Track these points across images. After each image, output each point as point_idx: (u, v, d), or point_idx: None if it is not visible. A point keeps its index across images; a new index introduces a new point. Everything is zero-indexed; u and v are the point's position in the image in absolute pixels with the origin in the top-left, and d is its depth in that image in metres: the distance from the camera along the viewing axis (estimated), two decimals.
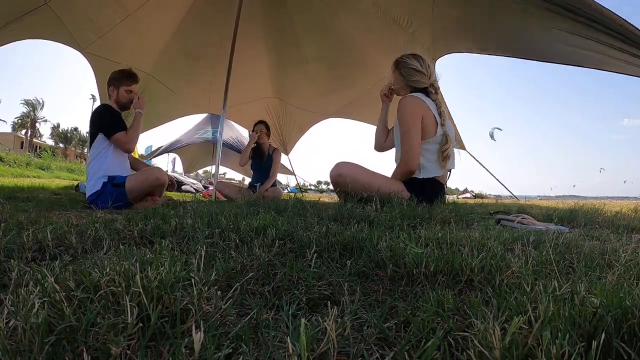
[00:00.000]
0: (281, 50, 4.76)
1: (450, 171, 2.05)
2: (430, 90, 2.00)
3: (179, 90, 4.95)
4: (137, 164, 2.57)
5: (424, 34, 3.43)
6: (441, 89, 2.09)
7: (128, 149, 2.29)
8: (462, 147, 4.65)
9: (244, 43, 4.07)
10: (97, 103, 4.53)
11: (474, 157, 4.56)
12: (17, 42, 3.18)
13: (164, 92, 4.74)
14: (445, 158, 1.92)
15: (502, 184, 4.87)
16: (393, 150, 2.24)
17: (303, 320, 0.39)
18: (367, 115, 5.31)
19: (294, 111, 5.65)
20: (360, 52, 4.25)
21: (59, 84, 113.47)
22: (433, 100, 1.95)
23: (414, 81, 1.99)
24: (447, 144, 1.91)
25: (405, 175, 1.94)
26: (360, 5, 3.71)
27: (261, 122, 3.80)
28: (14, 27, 2.94)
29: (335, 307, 0.48)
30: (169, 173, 5.35)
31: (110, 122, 2.25)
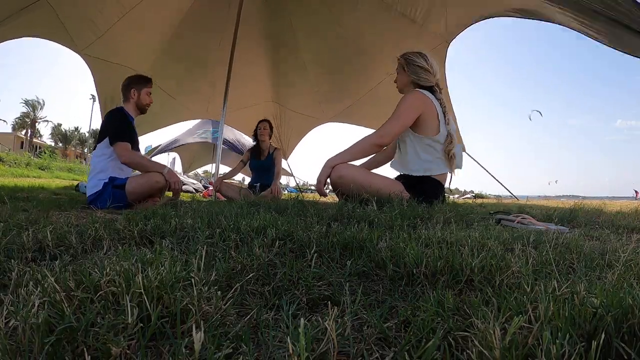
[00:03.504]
0: (280, 54, 4.76)
1: (454, 170, 2.05)
2: (435, 88, 2.00)
3: (177, 94, 4.92)
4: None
5: (435, 17, 3.33)
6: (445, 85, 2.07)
7: (123, 161, 2.26)
8: (462, 149, 4.64)
9: (243, 47, 4.07)
10: (97, 103, 4.53)
11: (475, 159, 4.57)
12: (16, 42, 3.18)
13: (162, 96, 4.73)
14: (451, 158, 1.92)
15: (502, 184, 4.88)
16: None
17: (302, 320, 0.39)
18: (366, 120, 5.31)
19: (293, 116, 5.64)
20: (360, 54, 4.24)
21: (59, 84, 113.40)
22: (438, 99, 1.95)
23: (420, 79, 1.99)
24: (451, 143, 1.92)
25: (370, 147, 1.93)
26: (364, 5, 3.69)
27: (264, 120, 3.80)
28: (12, 23, 2.93)
29: (336, 307, 0.48)
30: None
31: (118, 129, 2.25)
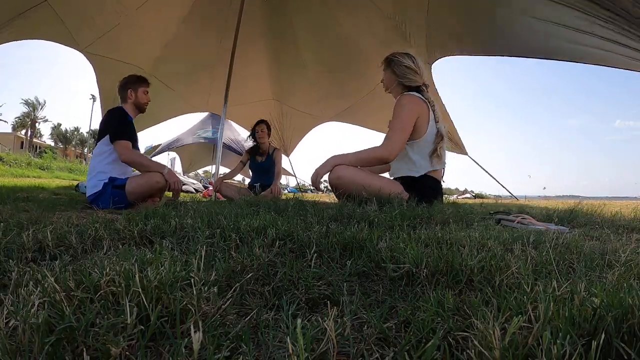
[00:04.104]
0: (281, 53, 4.77)
1: (443, 168, 2.06)
2: (423, 88, 2.01)
3: (178, 88, 4.95)
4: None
5: (419, 38, 3.43)
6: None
7: (123, 160, 2.26)
8: (464, 152, 4.65)
9: (244, 44, 4.08)
10: (98, 103, 4.54)
11: (476, 162, 4.57)
12: (16, 42, 3.18)
13: (163, 90, 4.74)
14: (437, 155, 1.93)
15: (502, 185, 4.88)
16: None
17: (299, 321, 0.39)
18: (367, 120, 5.31)
19: (294, 114, 5.65)
20: (360, 55, 4.25)
21: (59, 84, 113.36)
22: (426, 99, 1.96)
23: (407, 80, 1.99)
24: (441, 141, 1.92)
25: (375, 160, 1.92)
26: (359, 8, 3.71)
27: (262, 121, 3.79)
28: (14, 26, 2.94)
29: (335, 307, 0.48)
30: None
31: (119, 128, 2.26)
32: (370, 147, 1.95)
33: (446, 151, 2.03)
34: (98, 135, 2.32)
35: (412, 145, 1.93)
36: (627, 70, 2.18)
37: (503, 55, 3.02)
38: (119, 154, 2.22)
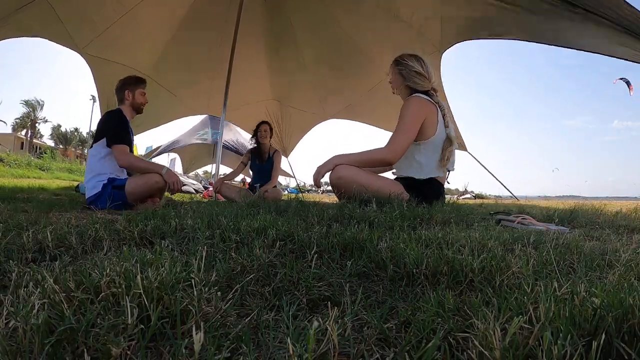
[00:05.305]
0: (281, 52, 4.77)
1: (448, 171, 2.05)
2: (432, 92, 1.99)
3: (177, 91, 4.94)
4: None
5: (431, 27, 3.38)
6: (445, 85, 2.08)
7: (121, 165, 2.26)
8: (464, 149, 4.64)
9: (244, 44, 4.08)
10: (98, 104, 4.54)
11: (476, 159, 4.56)
12: (16, 42, 3.19)
13: (162, 93, 4.74)
14: (447, 159, 1.92)
15: (502, 184, 4.88)
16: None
17: (315, 323, 0.39)
18: (368, 117, 5.31)
19: (294, 113, 5.64)
20: (360, 53, 4.25)
21: (59, 84, 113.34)
22: (436, 102, 1.95)
23: (415, 83, 1.98)
24: (450, 146, 1.92)
25: (378, 162, 1.92)
26: (360, 5, 3.71)
27: (265, 122, 3.81)
28: (10, 22, 2.92)
29: (336, 307, 0.48)
30: None
31: (116, 131, 2.26)
32: (373, 148, 1.95)
33: (454, 155, 2.02)
34: (95, 135, 2.31)
35: (419, 146, 1.92)
36: (625, 68, 2.19)
37: (515, 39, 2.91)
38: (116, 159, 2.22)
